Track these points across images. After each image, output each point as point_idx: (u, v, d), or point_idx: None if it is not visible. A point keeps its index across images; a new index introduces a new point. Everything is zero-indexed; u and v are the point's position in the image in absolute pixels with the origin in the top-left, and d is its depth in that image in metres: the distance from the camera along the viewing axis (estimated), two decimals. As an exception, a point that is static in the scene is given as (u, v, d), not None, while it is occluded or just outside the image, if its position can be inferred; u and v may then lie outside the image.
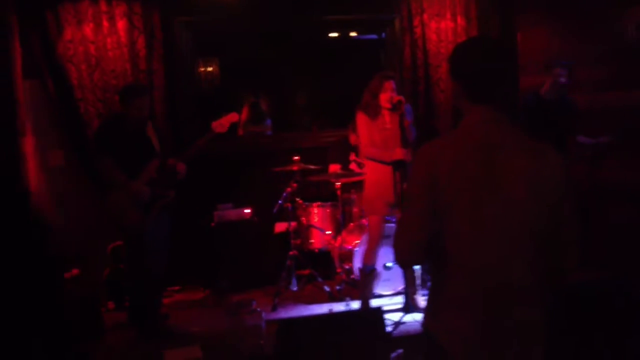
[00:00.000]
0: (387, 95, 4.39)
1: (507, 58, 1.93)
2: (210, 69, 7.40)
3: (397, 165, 4.33)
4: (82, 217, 5.46)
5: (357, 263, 4.93)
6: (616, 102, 5.72)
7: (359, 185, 5.17)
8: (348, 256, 5.13)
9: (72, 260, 5.21)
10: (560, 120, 5.11)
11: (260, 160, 5.95)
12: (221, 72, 7.45)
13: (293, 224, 5.39)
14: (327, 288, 5.17)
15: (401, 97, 4.36)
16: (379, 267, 4.75)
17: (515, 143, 1.84)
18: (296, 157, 5.33)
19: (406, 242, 1.86)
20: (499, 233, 1.78)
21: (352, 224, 5.37)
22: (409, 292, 4.59)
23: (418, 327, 4.07)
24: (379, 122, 4.47)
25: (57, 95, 5.36)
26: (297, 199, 5.53)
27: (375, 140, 4.46)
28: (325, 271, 5.58)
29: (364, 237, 4.87)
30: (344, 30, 7.74)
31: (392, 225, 4.76)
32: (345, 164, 5.65)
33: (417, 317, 4.36)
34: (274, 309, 4.90)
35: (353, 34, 7.79)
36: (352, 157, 5.63)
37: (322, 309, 4.85)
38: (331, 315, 3.93)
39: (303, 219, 5.50)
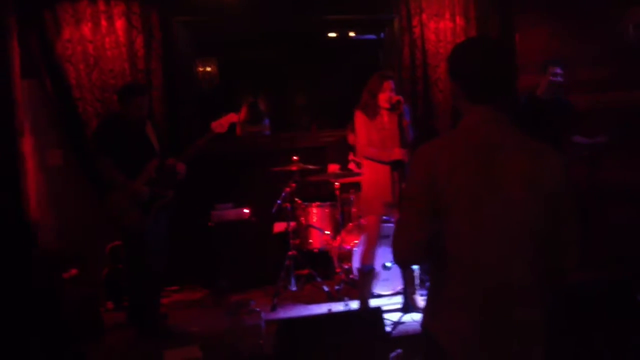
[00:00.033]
0: (386, 95, 4.39)
1: (506, 58, 1.92)
2: (208, 69, 7.39)
3: (396, 165, 4.33)
4: (81, 217, 5.45)
5: (356, 263, 4.93)
6: (616, 102, 5.72)
7: (358, 185, 5.17)
8: (347, 256, 5.12)
9: (70, 260, 5.21)
10: (556, 120, 5.08)
11: (259, 160, 5.95)
12: (219, 72, 7.44)
13: (292, 224, 5.38)
14: (326, 288, 5.17)
15: (400, 97, 4.36)
16: (378, 267, 4.74)
17: (516, 143, 1.83)
18: (295, 157, 5.33)
19: (405, 242, 1.85)
20: (499, 233, 1.78)
21: (351, 224, 5.37)
22: (407, 292, 4.58)
23: (417, 327, 4.06)
24: (378, 122, 4.46)
25: (55, 95, 5.36)
26: (296, 199, 5.52)
27: (373, 140, 4.45)
28: (324, 271, 5.58)
29: (363, 237, 4.87)
30: (342, 31, 7.73)
31: (391, 225, 4.76)
32: (344, 164, 5.65)
33: (416, 317, 4.35)
34: (273, 308, 4.90)
35: (352, 34, 7.78)
36: (351, 157, 5.63)
37: (321, 309, 4.85)
38: (330, 315, 3.94)
39: (302, 219, 5.49)
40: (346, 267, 5.16)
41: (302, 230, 5.49)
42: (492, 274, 1.78)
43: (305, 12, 6.08)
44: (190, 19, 5.89)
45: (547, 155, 1.84)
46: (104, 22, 5.40)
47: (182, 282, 5.76)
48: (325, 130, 6.69)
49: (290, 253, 5.26)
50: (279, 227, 5.67)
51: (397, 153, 4.30)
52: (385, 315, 4.32)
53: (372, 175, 4.51)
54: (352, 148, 5.59)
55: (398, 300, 4.83)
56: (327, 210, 5.48)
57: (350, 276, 5.11)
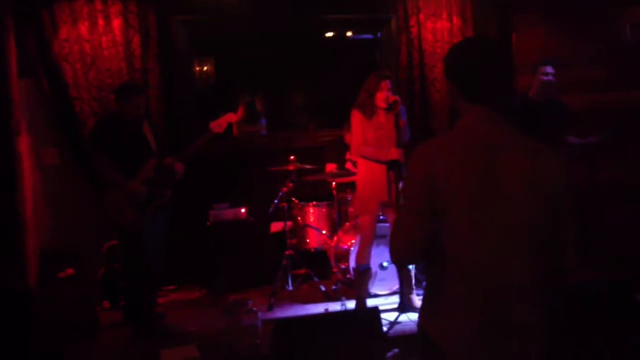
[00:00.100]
0: (383, 95, 4.39)
1: (504, 58, 1.91)
2: (205, 68, 7.39)
3: (392, 165, 4.32)
4: (78, 216, 5.45)
5: (352, 263, 4.91)
6: (614, 103, 5.73)
7: (354, 185, 5.17)
8: (344, 256, 5.12)
9: (67, 260, 5.20)
10: (549, 121, 5.06)
11: (256, 160, 5.95)
12: (216, 71, 7.44)
13: (289, 223, 5.38)
14: (323, 288, 5.17)
15: (397, 97, 4.36)
16: (374, 266, 4.74)
17: (515, 143, 1.83)
18: (292, 157, 5.32)
19: (403, 241, 1.85)
20: (498, 233, 1.78)
21: (348, 223, 5.37)
22: (404, 292, 4.58)
23: (414, 326, 4.04)
24: (374, 121, 4.46)
25: (52, 94, 5.35)
26: (293, 199, 5.52)
27: (369, 139, 4.45)
28: (321, 271, 5.57)
29: (358, 237, 4.86)
30: (340, 30, 7.74)
31: (387, 225, 4.76)
32: (341, 163, 5.65)
33: (413, 316, 4.35)
34: (270, 308, 4.89)
35: (349, 33, 7.78)
36: (348, 156, 5.63)
37: (318, 308, 4.84)
38: (327, 315, 3.94)
39: (299, 218, 5.49)
40: (343, 266, 5.15)
41: (299, 230, 5.49)
42: (492, 273, 1.78)
43: (303, 11, 6.08)
44: (187, 18, 5.88)
45: (546, 155, 1.83)
46: (101, 22, 5.39)
47: (180, 281, 5.75)
48: (322, 130, 6.69)
49: (287, 253, 5.26)
50: (276, 226, 5.66)
51: (394, 153, 4.30)
52: (382, 315, 4.33)
53: (367, 174, 4.50)
54: (349, 147, 5.59)
55: (395, 300, 4.83)
56: (324, 210, 5.48)
57: (347, 276, 5.12)
